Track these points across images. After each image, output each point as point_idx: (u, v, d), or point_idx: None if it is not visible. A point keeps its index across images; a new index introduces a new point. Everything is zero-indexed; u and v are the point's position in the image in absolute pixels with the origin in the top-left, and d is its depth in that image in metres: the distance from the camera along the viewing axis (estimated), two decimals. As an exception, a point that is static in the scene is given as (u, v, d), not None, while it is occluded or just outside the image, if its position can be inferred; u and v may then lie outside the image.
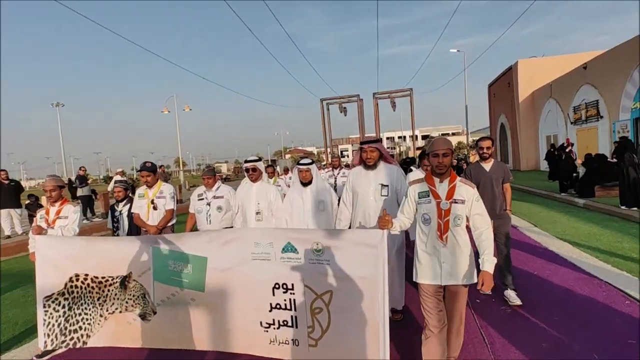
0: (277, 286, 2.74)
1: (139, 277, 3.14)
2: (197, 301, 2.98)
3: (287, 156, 69.15)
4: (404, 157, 29.55)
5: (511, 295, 3.84)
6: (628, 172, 8.04)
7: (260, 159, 4.20)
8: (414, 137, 26.16)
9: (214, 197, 4.42)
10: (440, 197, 2.46)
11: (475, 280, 2.47)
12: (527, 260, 5.26)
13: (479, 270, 2.42)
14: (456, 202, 2.44)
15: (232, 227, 4.22)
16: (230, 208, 4.38)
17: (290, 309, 2.72)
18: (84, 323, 3.24)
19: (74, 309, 3.23)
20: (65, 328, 3.22)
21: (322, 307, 2.62)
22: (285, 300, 2.72)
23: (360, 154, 3.57)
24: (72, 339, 3.21)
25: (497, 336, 3.23)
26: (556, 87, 20.99)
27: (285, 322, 2.75)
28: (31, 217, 10.33)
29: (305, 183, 3.85)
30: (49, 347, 3.25)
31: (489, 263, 2.39)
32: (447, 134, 79.05)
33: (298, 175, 3.90)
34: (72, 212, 3.87)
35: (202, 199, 4.49)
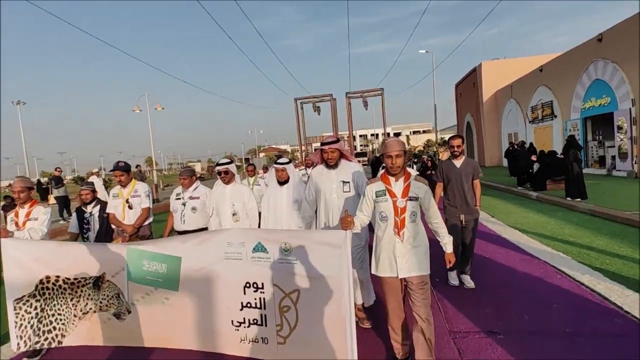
0: (247, 285, 2.80)
1: (112, 277, 3.17)
2: (171, 300, 3.02)
3: (262, 154, 69.05)
4: (377, 154, 30.38)
5: (467, 279, 4.31)
6: (572, 167, 8.98)
7: (232, 162, 4.21)
8: (385, 135, 27.04)
9: (190, 197, 4.44)
10: (396, 195, 2.61)
11: (429, 272, 2.70)
12: (481, 245, 5.95)
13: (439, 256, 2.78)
14: (411, 200, 2.60)
15: (206, 228, 4.29)
16: (205, 209, 4.37)
17: (260, 308, 2.78)
18: (57, 323, 3.25)
19: (46, 310, 3.25)
20: (39, 329, 3.25)
21: (290, 305, 2.69)
22: (255, 299, 2.78)
23: (321, 154, 3.67)
24: (46, 339, 3.25)
25: (450, 306, 3.84)
26: (516, 87, 22.34)
27: (255, 321, 2.80)
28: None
29: (282, 182, 3.90)
30: (22, 349, 3.27)
31: (449, 245, 2.75)
32: (419, 132, 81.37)
33: (275, 175, 3.94)
34: (42, 213, 3.86)
35: (179, 198, 4.52)
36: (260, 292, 2.77)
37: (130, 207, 4.43)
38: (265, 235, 2.84)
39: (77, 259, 3.20)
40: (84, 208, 4.80)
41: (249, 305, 2.81)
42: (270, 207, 3.93)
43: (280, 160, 3.95)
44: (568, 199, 9.06)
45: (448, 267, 2.80)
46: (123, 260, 3.12)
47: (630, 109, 12.52)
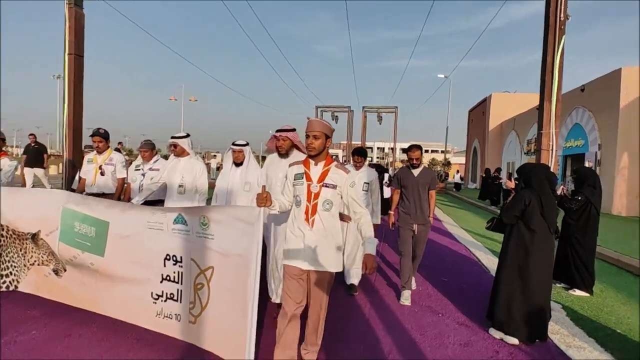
0: (167, 257, 2.72)
1: (46, 236, 3.22)
2: (96, 265, 3.01)
3: (280, 154, 72.08)
4: (382, 164, 32.80)
5: (404, 294, 4.11)
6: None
7: (186, 136, 4.16)
8: (395, 150, 29.47)
9: (150, 169, 4.51)
10: (312, 179, 2.44)
11: (341, 269, 2.54)
12: (433, 235, 8.32)
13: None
14: (327, 187, 2.42)
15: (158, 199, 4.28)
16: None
17: (178, 282, 2.70)
18: (12, 269, 3.42)
19: (3, 256, 3.40)
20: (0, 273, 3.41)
21: (204, 282, 2.57)
22: (174, 272, 2.71)
23: (274, 141, 3.65)
24: (4, 282, 3.43)
25: (384, 259, 6.31)
26: (518, 121, 24.52)
27: (172, 296, 2.72)
28: None
29: (238, 163, 3.94)
30: None
31: (371, 245, 2.38)
32: (436, 151, 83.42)
33: (232, 156, 3.95)
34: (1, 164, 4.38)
35: (138, 169, 4.57)
36: (179, 266, 2.70)
37: (102, 174, 4.45)
38: (187, 208, 2.83)
39: (22, 212, 3.34)
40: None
41: (168, 278, 2.74)
42: (223, 186, 3.98)
43: (238, 142, 3.97)
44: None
45: (363, 271, 2.39)
46: (58, 220, 3.16)
47: (596, 152, 14.72)
